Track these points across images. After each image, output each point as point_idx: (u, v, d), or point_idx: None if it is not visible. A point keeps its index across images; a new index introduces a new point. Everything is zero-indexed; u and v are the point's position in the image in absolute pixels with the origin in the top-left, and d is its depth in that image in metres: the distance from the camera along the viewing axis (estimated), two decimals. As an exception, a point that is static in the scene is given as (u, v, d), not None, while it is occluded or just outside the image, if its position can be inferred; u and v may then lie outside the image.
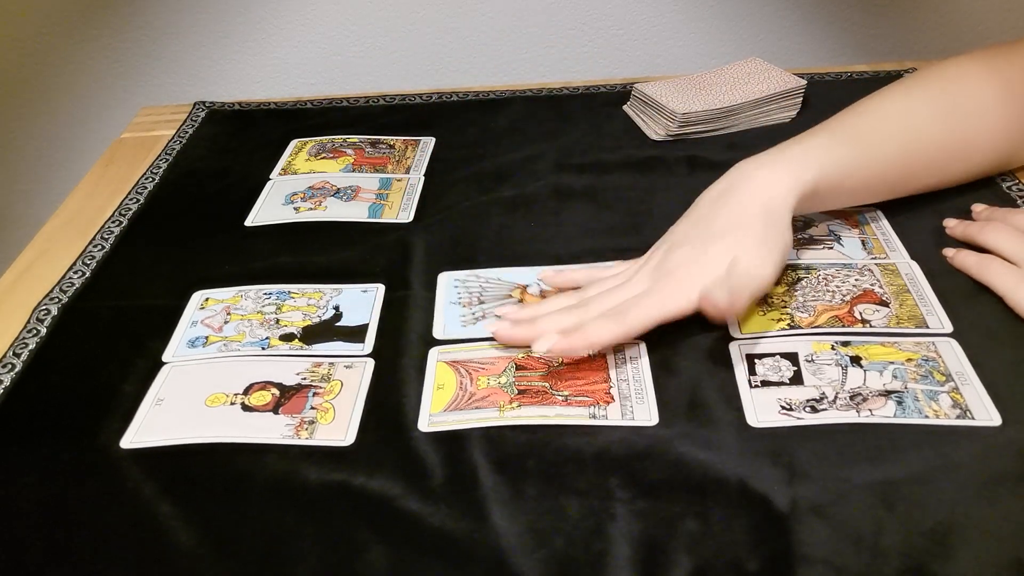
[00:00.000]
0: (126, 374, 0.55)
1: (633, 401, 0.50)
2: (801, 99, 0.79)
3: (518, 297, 0.59)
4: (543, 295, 0.59)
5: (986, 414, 0.48)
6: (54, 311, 0.61)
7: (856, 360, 0.52)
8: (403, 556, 0.43)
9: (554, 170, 0.74)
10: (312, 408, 0.52)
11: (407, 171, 0.76)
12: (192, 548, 0.44)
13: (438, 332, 0.56)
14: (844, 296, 0.57)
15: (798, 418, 0.49)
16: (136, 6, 0.99)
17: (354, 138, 0.81)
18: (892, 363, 0.52)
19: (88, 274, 0.65)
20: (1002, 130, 0.65)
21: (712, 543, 0.43)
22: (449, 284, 0.61)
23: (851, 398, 0.50)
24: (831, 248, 0.62)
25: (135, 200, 0.74)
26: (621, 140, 0.78)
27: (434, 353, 0.55)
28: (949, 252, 0.60)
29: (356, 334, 0.57)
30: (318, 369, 0.54)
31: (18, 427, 0.52)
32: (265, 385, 0.53)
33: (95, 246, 0.68)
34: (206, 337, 0.58)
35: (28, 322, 0.60)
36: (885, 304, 0.56)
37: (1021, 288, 0.55)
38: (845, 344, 0.53)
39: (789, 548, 0.42)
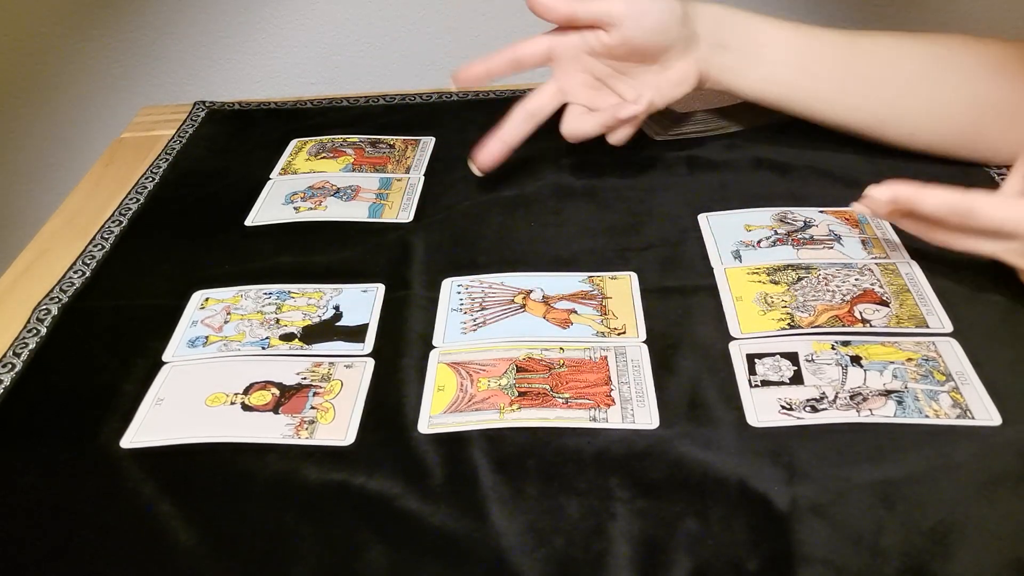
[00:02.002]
0: (126, 374, 0.55)
1: (634, 404, 0.50)
2: (801, 99, 0.79)
3: (520, 303, 0.59)
4: (546, 300, 0.59)
5: (986, 414, 0.48)
6: (54, 311, 0.61)
7: (856, 360, 0.52)
8: (403, 556, 0.43)
9: (554, 170, 0.74)
10: (312, 408, 0.52)
11: (407, 171, 0.76)
12: (192, 548, 0.44)
13: (438, 339, 0.56)
14: (844, 296, 0.57)
15: (798, 418, 0.49)
16: (136, 6, 0.99)
17: (354, 138, 0.81)
18: (892, 363, 0.52)
19: (88, 274, 0.65)
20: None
21: (712, 543, 0.43)
22: (452, 290, 0.61)
23: (851, 398, 0.50)
24: (831, 248, 0.62)
25: (135, 200, 0.74)
26: (621, 140, 0.78)
27: (435, 355, 0.55)
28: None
29: (356, 334, 0.57)
30: (318, 369, 0.54)
31: (18, 427, 0.52)
32: (265, 385, 0.54)
33: (95, 246, 0.68)
34: (206, 337, 0.58)
35: (28, 322, 0.60)
36: (885, 304, 0.56)
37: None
38: (845, 344, 0.53)
39: (789, 548, 0.42)
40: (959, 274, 0.59)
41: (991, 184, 0.68)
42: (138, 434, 0.51)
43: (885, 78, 0.68)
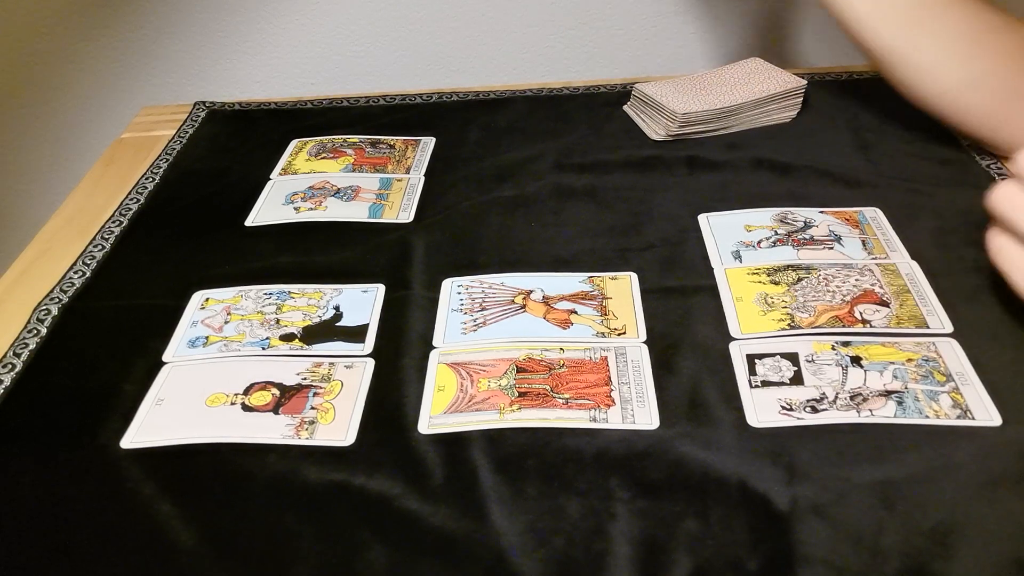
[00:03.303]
0: (126, 374, 0.55)
1: (634, 404, 0.50)
2: (801, 99, 0.79)
3: (521, 303, 0.59)
4: (546, 300, 0.59)
5: (986, 414, 0.48)
6: (54, 311, 0.61)
7: (856, 360, 0.52)
8: (403, 556, 0.43)
9: (554, 170, 0.74)
10: (312, 408, 0.52)
11: (407, 171, 0.76)
12: (192, 548, 0.44)
13: (438, 339, 0.56)
14: (844, 296, 0.57)
15: (798, 418, 0.49)
16: (136, 6, 0.99)
17: (354, 138, 0.81)
18: (892, 363, 0.52)
19: (88, 274, 0.65)
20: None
21: (712, 543, 0.43)
22: (452, 290, 0.61)
23: (851, 398, 0.50)
24: (831, 248, 0.62)
25: (135, 200, 0.74)
26: (621, 140, 0.78)
27: (435, 355, 0.55)
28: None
29: (356, 334, 0.57)
30: (318, 369, 0.54)
31: (18, 427, 0.52)
32: (265, 385, 0.54)
33: (95, 246, 0.68)
34: (206, 337, 0.58)
35: (28, 322, 0.60)
36: (885, 304, 0.56)
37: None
38: (845, 344, 0.53)
39: (789, 548, 0.42)
40: (959, 274, 0.59)
41: (991, 183, 0.68)
42: (138, 434, 0.51)
43: (932, 31, 0.69)
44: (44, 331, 0.59)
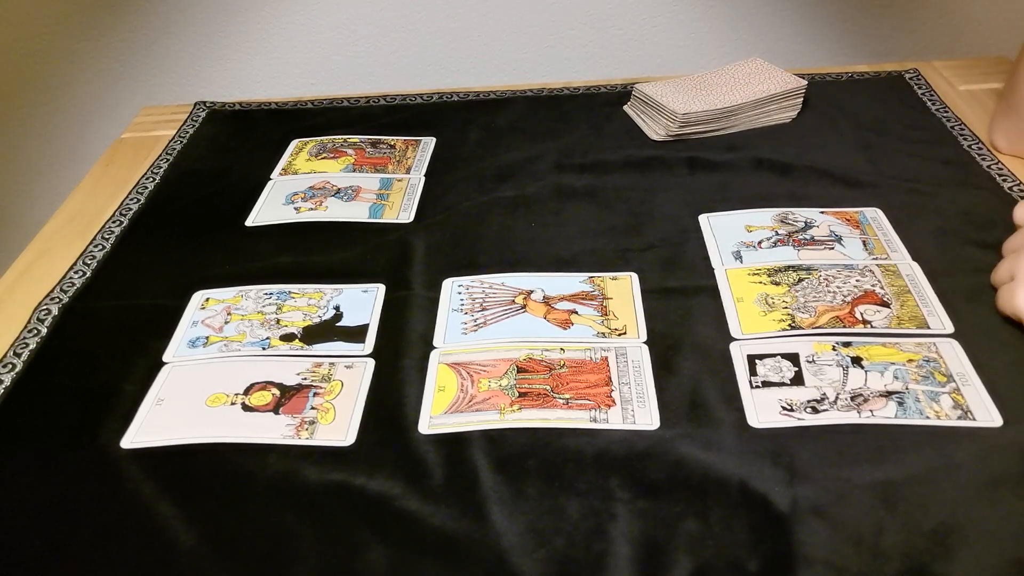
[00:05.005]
0: (126, 374, 0.55)
1: (635, 405, 0.50)
2: (801, 99, 0.79)
3: (521, 303, 0.59)
4: (547, 301, 0.59)
5: (987, 415, 0.48)
6: (54, 311, 0.61)
7: (857, 361, 0.52)
8: (403, 556, 0.43)
9: (555, 170, 0.74)
10: (312, 408, 0.52)
11: (408, 171, 0.76)
12: (192, 548, 0.44)
13: (439, 339, 0.56)
14: (845, 297, 0.57)
15: (799, 419, 0.49)
16: (136, 6, 0.99)
17: (355, 138, 0.81)
18: (893, 364, 0.52)
19: (88, 274, 0.65)
20: None
21: (712, 543, 0.43)
22: (452, 290, 0.61)
23: (852, 399, 0.50)
24: (832, 249, 0.62)
25: (136, 200, 0.74)
26: (621, 140, 0.78)
27: (435, 355, 0.55)
28: None
29: (356, 334, 0.57)
30: (318, 369, 0.54)
31: (18, 427, 0.52)
32: (265, 385, 0.53)
33: (96, 246, 0.68)
34: (207, 337, 0.58)
35: (28, 322, 0.60)
36: (886, 305, 0.56)
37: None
38: (846, 345, 0.53)
39: (789, 548, 0.42)
40: (960, 275, 0.59)
41: (995, 188, 0.68)
42: (138, 434, 0.51)
43: None
44: (44, 331, 0.59)
